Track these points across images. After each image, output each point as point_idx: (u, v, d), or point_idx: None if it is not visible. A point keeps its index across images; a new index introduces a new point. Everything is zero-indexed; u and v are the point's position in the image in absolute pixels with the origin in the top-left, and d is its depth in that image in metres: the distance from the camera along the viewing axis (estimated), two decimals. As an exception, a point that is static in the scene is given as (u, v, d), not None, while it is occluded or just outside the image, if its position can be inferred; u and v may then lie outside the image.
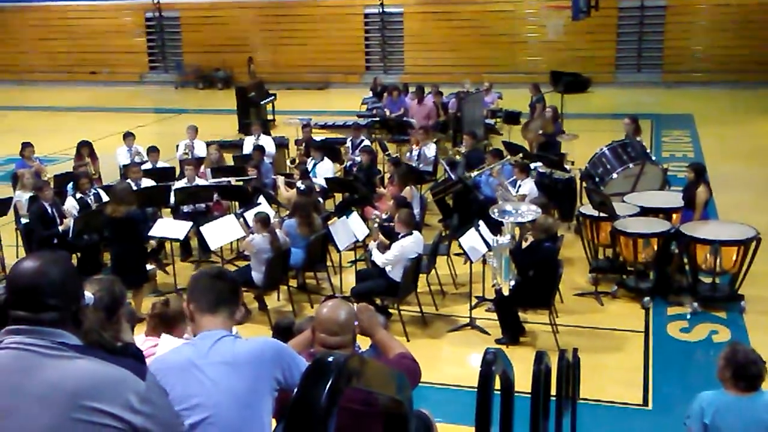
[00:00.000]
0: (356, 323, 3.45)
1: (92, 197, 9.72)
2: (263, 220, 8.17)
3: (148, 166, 11.29)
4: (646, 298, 8.21)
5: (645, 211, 8.85)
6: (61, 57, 28.87)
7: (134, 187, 9.91)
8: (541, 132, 12.58)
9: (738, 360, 4.14)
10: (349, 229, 8.50)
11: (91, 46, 28.44)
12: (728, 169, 13.10)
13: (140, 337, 4.78)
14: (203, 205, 10.25)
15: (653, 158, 10.65)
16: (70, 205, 9.42)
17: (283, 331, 4.91)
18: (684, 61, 23.63)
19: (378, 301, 8.01)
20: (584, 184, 10.38)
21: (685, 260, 8.25)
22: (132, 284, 8.16)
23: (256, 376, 2.77)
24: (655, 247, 8.26)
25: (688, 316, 7.90)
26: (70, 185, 10.27)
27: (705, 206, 8.67)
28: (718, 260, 7.81)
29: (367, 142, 12.51)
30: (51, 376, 2.00)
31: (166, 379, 2.60)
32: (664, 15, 23.82)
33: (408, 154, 12.19)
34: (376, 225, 8.84)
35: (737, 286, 8.03)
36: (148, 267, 9.14)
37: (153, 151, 11.66)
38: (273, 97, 19.20)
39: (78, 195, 9.61)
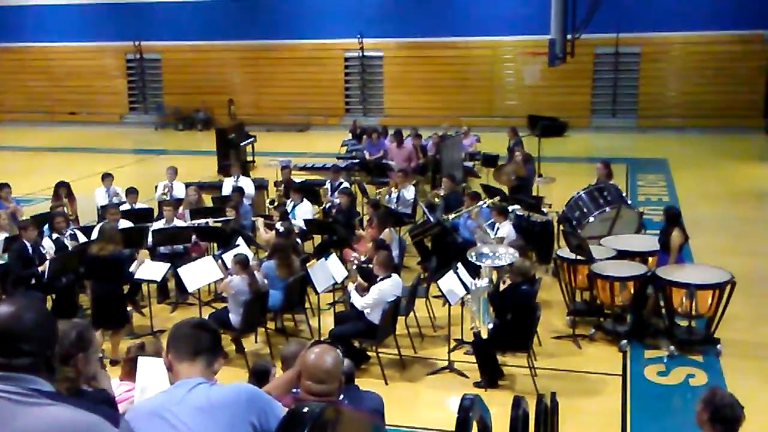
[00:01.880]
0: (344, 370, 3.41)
1: (68, 237, 9.64)
2: (242, 262, 8.14)
3: (126, 207, 11.24)
4: (624, 341, 8.24)
5: (621, 255, 8.93)
6: (40, 97, 28.88)
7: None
8: (513, 176, 12.71)
9: (716, 403, 4.16)
10: (328, 271, 8.48)
11: (71, 87, 28.50)
12: (703, 212, 13.29)
13: (115, 381, 4.72)
14: (181, 247, 10.20)
15: (629, 202, 10.79)
16: (48, 246, 9.33)
17: (260, 376, 4.86)
18: (658, 107, 24.09)
19: (356, 344, 7.97)
20: (561, 227, 10.47)
21: (662, 303, 8.32)
22: (112, 325, 8.10)
23: (231, 422, 2.75)
24: (632, 290, 8.33)
25: (665, 360, 7.94)
26: (47, 226, 10.17)
27: (680, 250, 8.76)
28: (693, 303, 7.88)
29: (346, 184, 12.56)
30: (23, 424, 1.98)
31: (140, 426, 2.58)
32: (639, 62, 24.33)
33: (387, 196, 12.25)
34: (354, 267, 8.84)
35: (713, 329, 8.08)
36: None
37: (131, 192, 11.62)
38: (253, 139, 19.26)
39: (54, 236, 9.52)
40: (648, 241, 9.40)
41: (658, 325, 8.46)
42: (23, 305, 2.13)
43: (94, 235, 9.04)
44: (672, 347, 8.02)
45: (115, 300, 8.23)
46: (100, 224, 9.18)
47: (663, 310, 8.33)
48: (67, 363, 2.96)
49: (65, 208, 11.27)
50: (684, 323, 8.24)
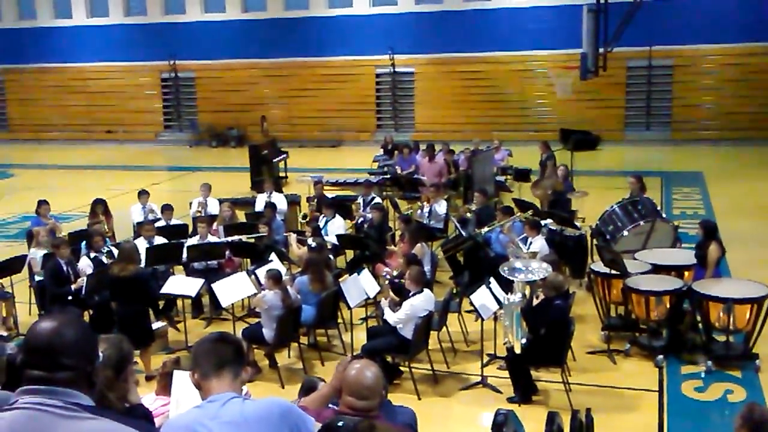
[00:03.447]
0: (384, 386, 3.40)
1: (106, 255, 9.79)
2: (275, 277, 8.19)
3: (161, 223, 11.40)
4: (660, 357, 8.12)
5: (656, 269, 8.82)
6: (78, 116, 29.48)
7: (147, 245, 10.02)
8: (550, 190, 12.64)
9: (755, 419, 4.09)
10: (360, 286, 8.51)
11: (107, 106, 29.05)
12: (740, 226, 13.07)
13: (150, 396, 4.79)
14: (215, 262, 10.30)
15: (664, 215, 10.66)
16: (84, 263, 9.48)
17: (308, 391, 4.86)
18: (692, 119, 23.83)
19: (389, 359, 7.97)
20: (595, 242, 10.38)
21: (698, 318, 8.19)
22: (139, 343, 8.15)
23: (265, 436, 2.77)
24: (668, 305, 8.21)
25: (703, 375, 7.81)
26: (84, 243, 10.35)
27: (717, 264, 8.63)
28: (731, 318, 7.75)
29: (378, 200, 12.59)
30: (64, 437, 2.02)
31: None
32: (672, 74, 24.12)
33: (419, 211, 12.25)
34: (387, 282, 8.84)
35: (751, 344, 7.95)
36: (160, 324, 9.16)
37: (167, 209, 11.78)
38: (285, 155, 19.43)
39: (92, 254, 9.68)
40: (684, 255, 9.27)
41: (694, 340, 8.33)
42: (65, 321, 2.18)
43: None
44: (709, 362, 7.89)
45: (139, 319, 8.18)
46: (120, 244, 9.23)
47: (700, 325, 8.20)
48: (119, 376, 3.00)
49: (102, 225, 11.45)
50: (721, 338, 8.10)
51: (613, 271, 8.62)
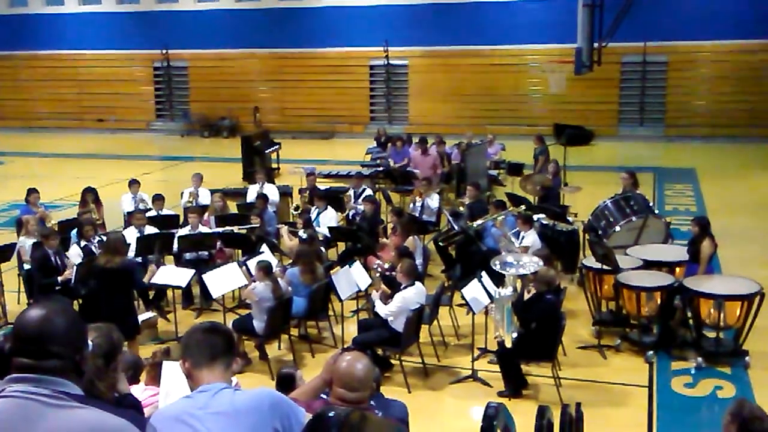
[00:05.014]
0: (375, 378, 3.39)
1: (96, 244, 9.73)
2: (265, 269, 8.16)
3: (152, 213, 11.34)
4: (650, 352, 8.12)
5: (648, 265, 8.84)
6: (69, 104, 29.29)
7: (138, 234, 9.97)
8: (539, 186, 12.64)
9: (744, 415, 4.08)
10: (352, 278, 8.49)
11: (99, 94, 28.86)
12: (731, 223, 13.11)
13: (140, 386, 4.76)
14: (206, 253, 10.25)
15: (656, 212, 10.68)
16: (75, 252, 9.42)
17: (285, 382, 4.86)
18: (685, 116, 23.87)
19: (380, 352, 7.96)
20: (587, 237, 10.39)
21: (689, 314, 8.21)
22: (125, 335, 8.05)
23: (254, 427, 2.76)
24: (659, 301, 8.23)
25: (693, 371, 7.83)
26: (74, 232, 10.29)
27: (709, 260, 8.65)
28: (721, 315, 7.77)
29: (369, 192, 12.56)
30: (51, 426, 2.00)
31: (164, 430, 2.59)
32: (666, 70, 24.14)
33: (411, 204, 12.23)
34: (378, 275, 8.83)
35: (741, 341, 7.97)
36: (149, 314, 9.11)
37: (158, 199, 11.72)
38: (278, 146, 19.37)
39: (82, 242, 9.62)
40: (675, 251, 9.29)
41: (685, 337, 8.36)
42: (54, 309, 2.16)
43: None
44: (699, 359, 7.92)
45: (125, 310, 7.97)
46: (106, 235, 9.13)
47: (690, 321, 8.22)
48: (109, 365, 2.98)
49: (92, 214, 11.38)
50: (712, 335, 8.13)
51: (605, 267, 8.63)
